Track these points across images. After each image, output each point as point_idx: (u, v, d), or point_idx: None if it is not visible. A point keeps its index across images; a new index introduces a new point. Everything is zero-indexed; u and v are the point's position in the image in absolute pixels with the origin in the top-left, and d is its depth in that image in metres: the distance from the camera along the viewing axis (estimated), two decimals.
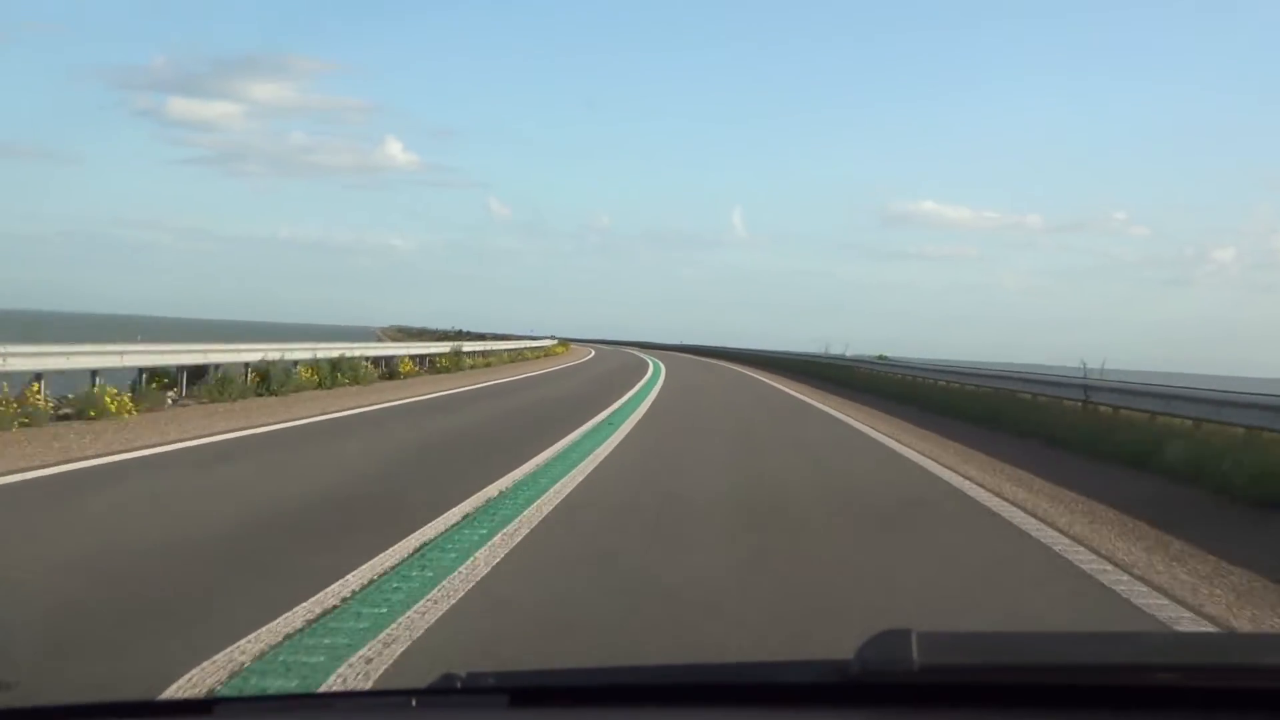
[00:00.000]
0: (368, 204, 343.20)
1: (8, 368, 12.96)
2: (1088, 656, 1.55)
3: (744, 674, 1.68)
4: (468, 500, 7.90)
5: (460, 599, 5.15)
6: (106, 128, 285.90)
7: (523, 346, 50.73)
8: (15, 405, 12.39)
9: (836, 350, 40.92)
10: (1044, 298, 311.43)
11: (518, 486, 8.84)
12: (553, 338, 68.07)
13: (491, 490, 8.48)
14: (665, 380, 31.73)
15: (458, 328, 70.40)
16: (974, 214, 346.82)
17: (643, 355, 63.49)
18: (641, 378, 32.36)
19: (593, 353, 64.26)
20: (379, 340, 41.71)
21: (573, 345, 74.12)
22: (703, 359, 63.54)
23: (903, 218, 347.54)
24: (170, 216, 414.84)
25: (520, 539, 6.69)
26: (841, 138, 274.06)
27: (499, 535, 6.72)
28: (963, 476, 11.00)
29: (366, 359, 24.34)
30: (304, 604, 4.87)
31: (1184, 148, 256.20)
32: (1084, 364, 17.98)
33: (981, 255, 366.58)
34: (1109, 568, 6.63)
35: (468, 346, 37.35)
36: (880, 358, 37.24)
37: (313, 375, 20.69)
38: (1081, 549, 7.22)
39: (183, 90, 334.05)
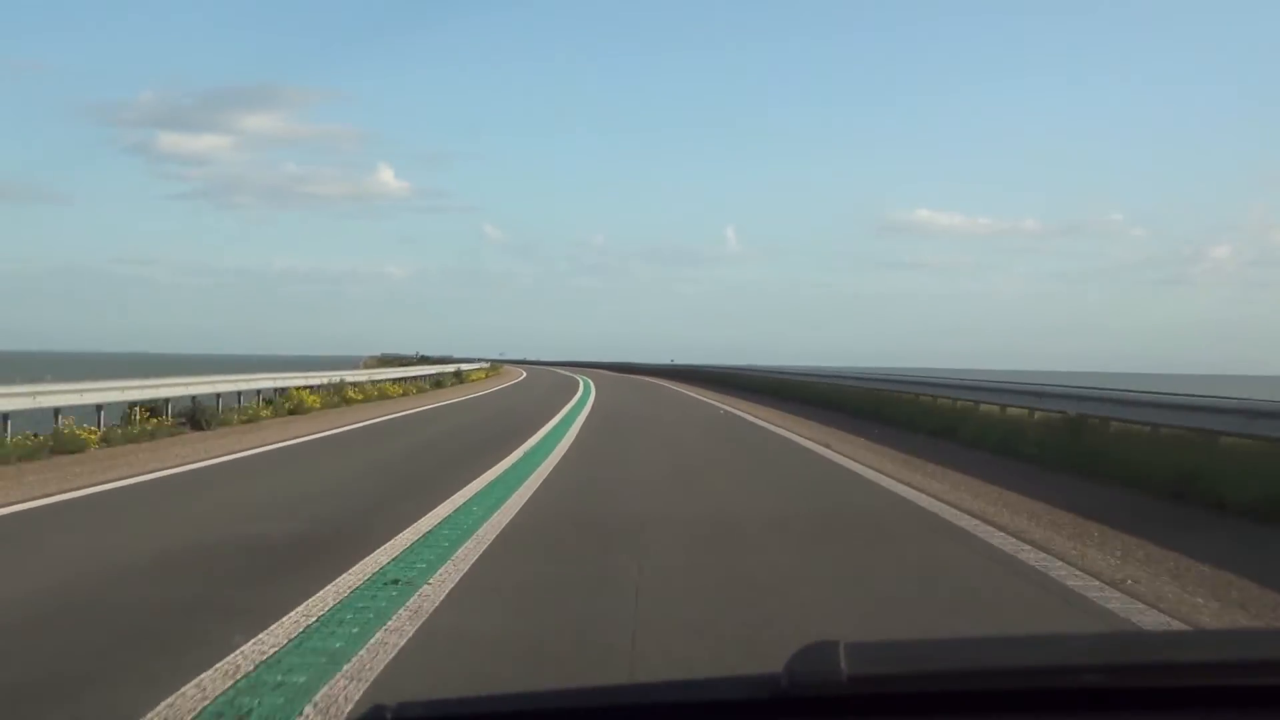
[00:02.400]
0: (362, 232, 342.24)
1: None
2: (1015, 660, 1.56)
3: (673, 692, 1.66)
4: None
5: None
6: (97, 165, 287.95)
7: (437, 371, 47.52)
8: None
9: None
10: (1042, 303, 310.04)
11: None
12: (486, 360, 76.60)
13: None
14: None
15: (421, 353, 75.09)
16: (968, 221, 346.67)
17: (580, 381, 48.31)
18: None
19: (524, 374, 63.09)
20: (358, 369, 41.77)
21: (515, 369, 75.34)
22: (691, 394, 38.98)
23: (898, 226, 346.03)
24: (165, 252, 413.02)
25: None
26: (836, 148, 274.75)
27: None
28: None
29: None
30: None
31: (1180, 146, 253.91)
32: None
33: (978, 262, 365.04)
34: None
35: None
36: None
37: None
38: None
39: (172, 124, 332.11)
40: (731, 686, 1.56)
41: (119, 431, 16.86)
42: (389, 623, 5.52)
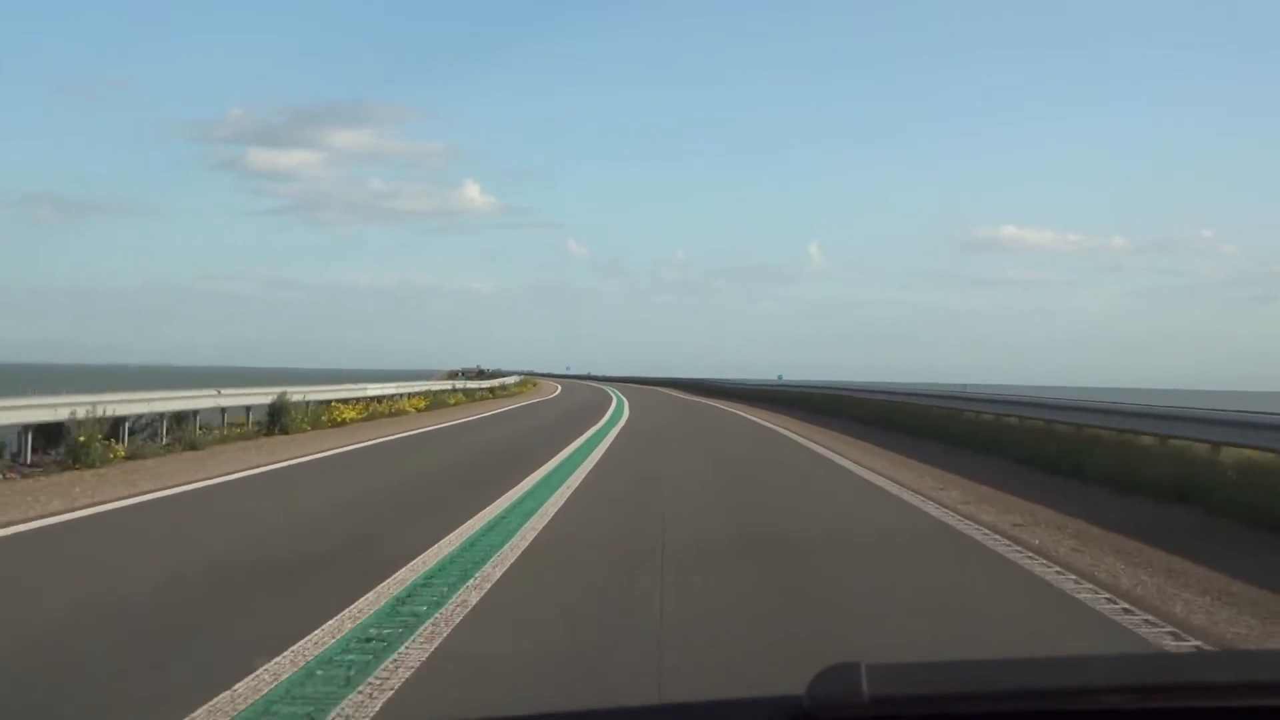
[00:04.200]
0: (446, 248, 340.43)
1: None
2: (1036, 682, 1.53)
3: (695, 714, 1.70)
4: None
5: None
6: (188, 181, 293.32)
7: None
8: None
9: None
10: (1131, 320, 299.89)
11: None
12: (518, 374, 77.93)
13: None
14: None
15: (480, 366, 77.22)
16: (1057, 237, 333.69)
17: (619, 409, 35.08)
18: None
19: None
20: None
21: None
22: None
23: (984, 244, 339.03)
24: (254, 267, 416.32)
25: None
26: (922, 164, 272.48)
27: None
28: None
29: None
30: None
31: (1271, 158, 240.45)
32: None
33: (1065, 279, 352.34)
34: None
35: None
36: None
37: None
38: None
39: (261, 141, 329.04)
40: (754, 708, 1.54)
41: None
42: None
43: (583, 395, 52.20)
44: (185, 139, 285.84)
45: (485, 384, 47.44)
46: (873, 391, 33.31)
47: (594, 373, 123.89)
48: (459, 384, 41.77)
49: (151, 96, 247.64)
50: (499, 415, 31.64)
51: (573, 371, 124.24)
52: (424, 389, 34.25)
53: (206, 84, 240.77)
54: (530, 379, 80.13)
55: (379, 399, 30.21)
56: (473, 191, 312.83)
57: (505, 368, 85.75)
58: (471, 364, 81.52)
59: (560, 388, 68.30)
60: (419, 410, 31.63)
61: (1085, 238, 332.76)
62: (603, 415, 30.75)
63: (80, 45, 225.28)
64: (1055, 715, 1.46)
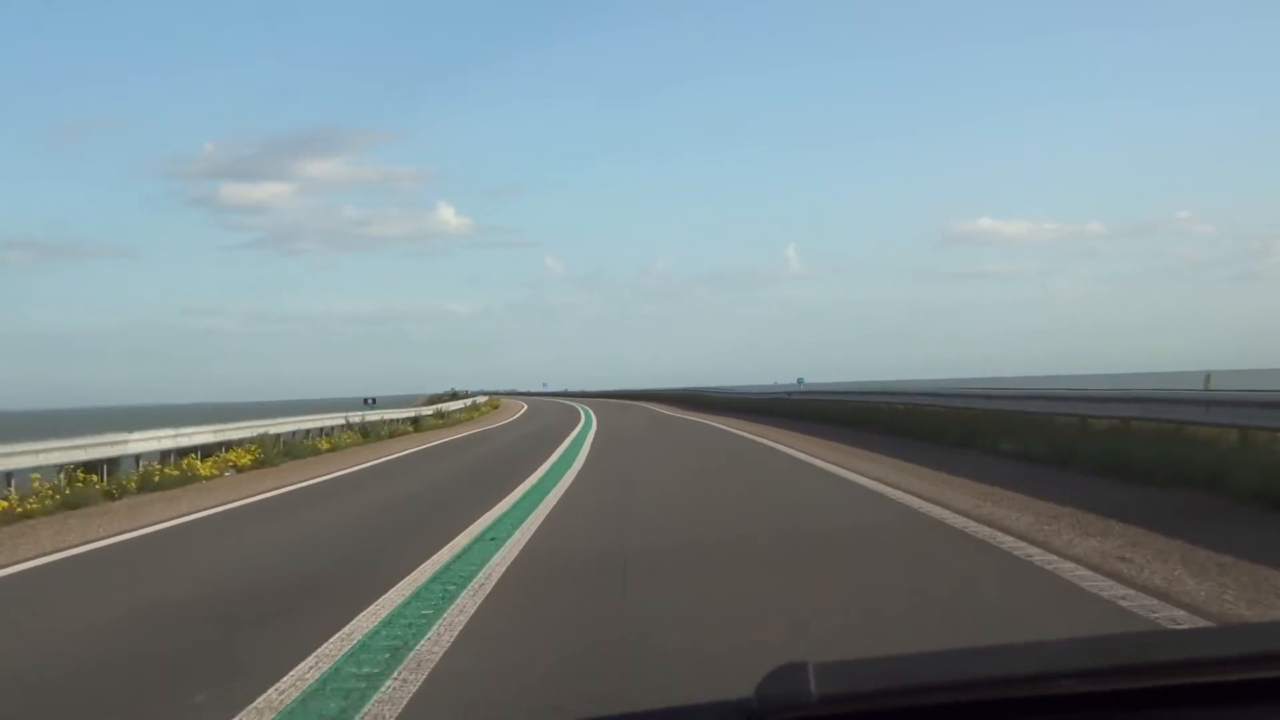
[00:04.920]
0: (424, 271, 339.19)
1: None
2: (987, 671, 1.50)
3: None
4: None
5: None
6: (164, 218, 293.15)
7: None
8: None
9: None
10: (1109, 306, 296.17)
11: None
12: (484, 394, 73.58)
13: None
14: None
15: (453, 389, 77.91)
16: (1033, 226, 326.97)
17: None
18: None
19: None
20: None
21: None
22: None
23: (962, 237, 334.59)
24: (232, 301, 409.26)
25: None
26: (897, 161, 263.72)
27: None
28: None
29: None
30: None
31: (1246, 138, 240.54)
32: None
33: (1043, 268, 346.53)
34: None
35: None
36: None
37: None
38: None
39: (234, 175, 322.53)
40: (703, 713, 1.53)
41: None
42: None
43: (541, 420, 39.89)
44: (159, 176, 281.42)
45: (403, 414, 35.02)
46: (1057, 400, 19.36)
47: (570, 389, 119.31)
48: (354, 417, 29.40)
49: (126, 134, 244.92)
50: (375, 469, 19.26)
51: (550, 389, 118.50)
52: (259, 433, 21.65)
53: (179, 119, 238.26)
54: (493, 400, 70.13)
55: (160, 457, 17.97)
56: (448, 213, 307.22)
57: (486, 388, 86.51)
58: (446, 388, 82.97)
59: (526, 407, 61.22)
60: (240, 469, 19.26)
61: (1061, 225, 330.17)
62: (544, 461, 18.39)
63: (53, 85, 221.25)
64: (1009, 702, 1.44)
